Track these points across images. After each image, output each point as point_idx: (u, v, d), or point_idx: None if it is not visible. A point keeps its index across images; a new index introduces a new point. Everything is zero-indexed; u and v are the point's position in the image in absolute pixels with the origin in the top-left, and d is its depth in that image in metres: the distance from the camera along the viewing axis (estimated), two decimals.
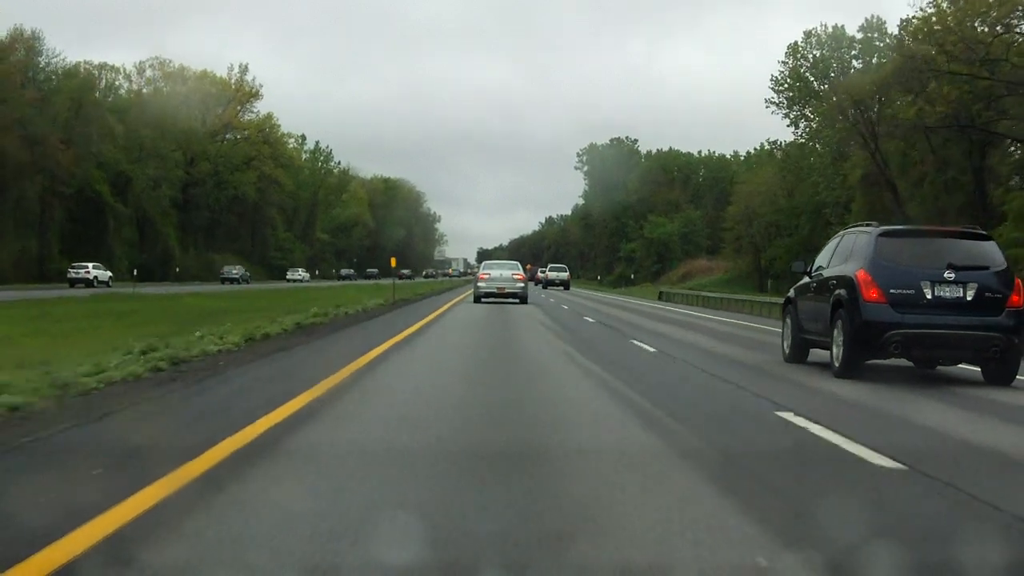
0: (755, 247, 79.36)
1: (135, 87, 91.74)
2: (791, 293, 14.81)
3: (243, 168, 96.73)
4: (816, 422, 8.02)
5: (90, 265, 59.97)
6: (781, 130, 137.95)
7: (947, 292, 11.73)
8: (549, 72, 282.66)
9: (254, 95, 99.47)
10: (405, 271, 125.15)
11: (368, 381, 10.08)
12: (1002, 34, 41.46)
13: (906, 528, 4.87)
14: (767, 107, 70.87)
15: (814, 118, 68.56)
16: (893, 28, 62.77)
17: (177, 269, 79.22)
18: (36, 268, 65.16)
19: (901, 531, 4.78)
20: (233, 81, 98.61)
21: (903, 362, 12.73)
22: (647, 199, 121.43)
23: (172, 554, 3.91)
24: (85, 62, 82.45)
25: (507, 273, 36.89)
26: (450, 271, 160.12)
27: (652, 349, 15.91)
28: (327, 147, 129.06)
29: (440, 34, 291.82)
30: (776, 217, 75.92)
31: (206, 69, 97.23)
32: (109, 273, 60.82)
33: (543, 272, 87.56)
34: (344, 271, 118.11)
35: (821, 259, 14.11)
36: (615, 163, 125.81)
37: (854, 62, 68.96)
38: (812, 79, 70.04)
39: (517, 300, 35.17)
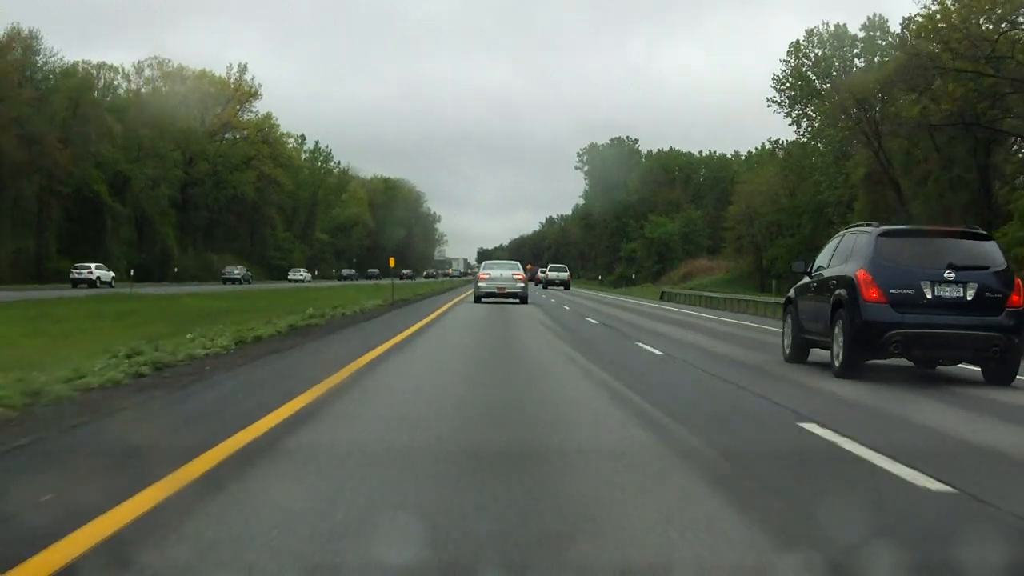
0: (756, 247, 79.15)
1: (134, 87, 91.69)
2: (791, 293, 14.82)
3: (242, 168, 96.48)
4: (846, 436, 7.32)
5: (93, 265, 60.07)
6: (782, 130, 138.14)
7: (947, 292, 11.74)
8: (549, 72, 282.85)
9: (253, 95, 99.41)
10: (406, 271, 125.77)
11: (340, 406, 8.45)
12: (1008, 31, 41.37)
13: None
14: (769, 106, 70.73)
15: (816, 117, 68.39)
16: (895, 27, 62.86)
17: (176, 269, 79.08)
18: (34, 268, 65.00)
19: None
20: (232, 81, 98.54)
21: (903, 362, 12.71)
22: (648, 199, 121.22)
23: None
24: (83, 62, 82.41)
25: (507, 273, 36.88)
26: (450, 271, 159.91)
27: (658, 352, 15.53)
28: (327, 147, 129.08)
29: (440, 34, 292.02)
30: (778, 217, 75.68)
31: (205, 69, 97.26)
32: (112, 273, 60.94)
33: (543, 272, 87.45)
34: (345, 271, 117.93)
35: (821, 259, 14.10)
36: (616, 163, 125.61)
37: (856, 61, 68.86)
38: (814, 78, 69.89)
39: (517, 300, 35.20)
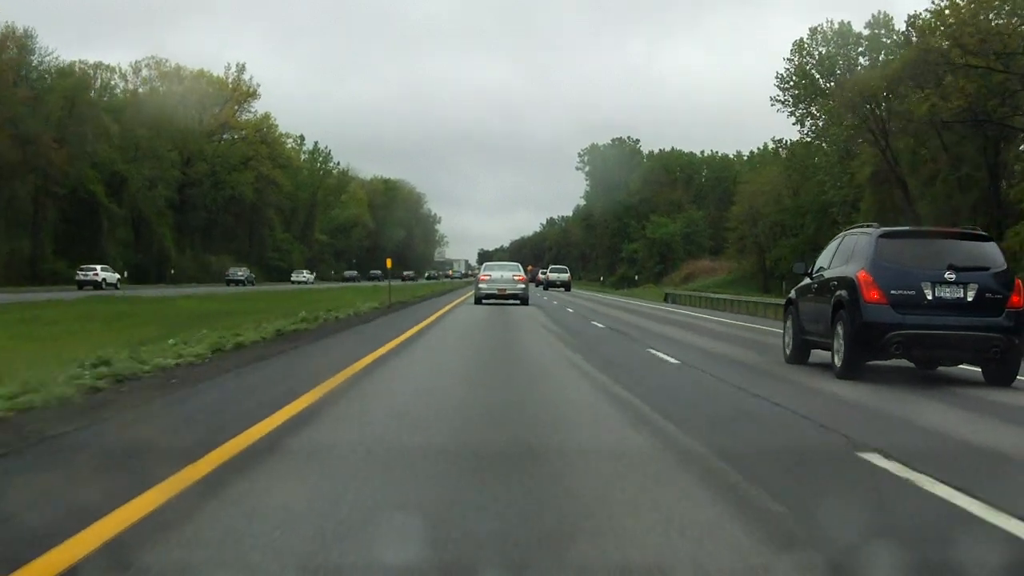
0: (759, 247, 78.48)
1: (131, 87, 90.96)
2: (792, 294, 14.83)
3: (240, 168, 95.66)
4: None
5: (98, 267, 60.14)
6: (783, 130, 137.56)
7: (947, 293, 11.78)
8: (549, 72, 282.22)
9: (251, 95, 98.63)
10: (408, 273, 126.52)
11: (303, 441, 6.92)
12: (1020, 27, 40.54)
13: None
14: (772, 105, 70.01)
15: (820, 116, 67.56)
16: (900, 24, 62.11)
17: (172, 271, 78.27)
18: (28, 269, 64.15)
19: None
20: (230, 80, 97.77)
21: (904, 363, 12.67)
22: (649, 199, 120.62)
23: None
24: (80, 61, 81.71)
25: (508, 274, 36.96)
26: (450, 272, 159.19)
27: (674, 360, 14.32)
28: (326, 147, 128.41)
29: (440, 34, 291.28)
30: (781, 217, 74.98)
31: (203, 68, 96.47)
32: (117, 275, 61.05)
33: (544, 274, 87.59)
34: (348, 273, 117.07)
35: (822, 260, 14.08)
36: (617, 163, 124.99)
37: (861, 59, 67.95)
38: (818, 76, 69.05)
39: (518, 301, 35.24)
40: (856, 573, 4.07)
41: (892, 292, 11.78)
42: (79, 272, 58.94)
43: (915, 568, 4.17)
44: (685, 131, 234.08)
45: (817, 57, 69.26)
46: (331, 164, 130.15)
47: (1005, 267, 12.24)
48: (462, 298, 44.07)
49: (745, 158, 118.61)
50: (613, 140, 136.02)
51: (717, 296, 51.79)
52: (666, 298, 62.28)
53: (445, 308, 31.50)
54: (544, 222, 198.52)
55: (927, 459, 6.54)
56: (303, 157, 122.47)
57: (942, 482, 5.73)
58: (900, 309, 11.73)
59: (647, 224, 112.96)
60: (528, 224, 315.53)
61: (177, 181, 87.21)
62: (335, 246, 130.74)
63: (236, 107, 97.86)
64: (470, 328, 21.70)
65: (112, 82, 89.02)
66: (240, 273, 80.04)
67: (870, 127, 53.51)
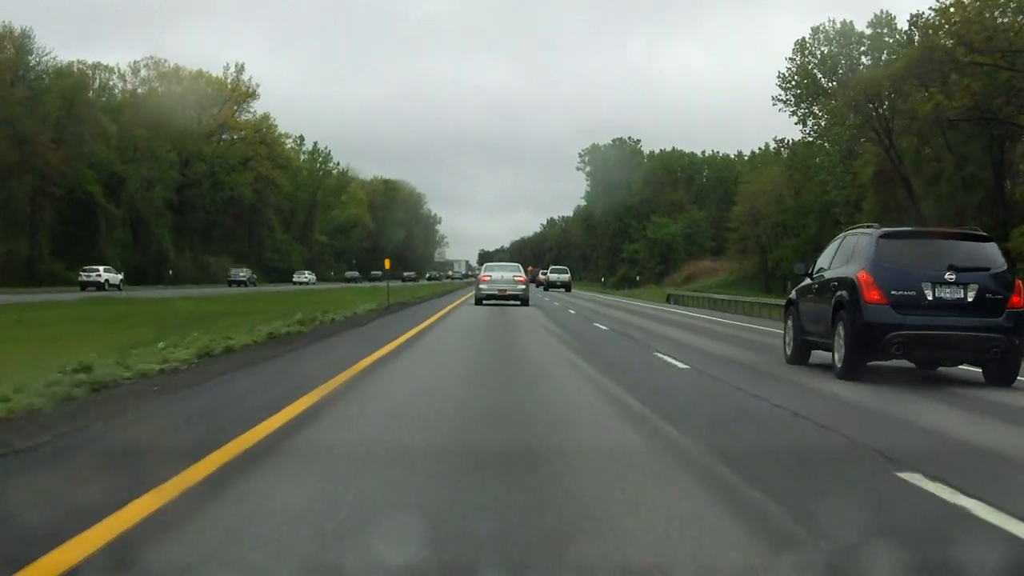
0: (761, 247, 78.08)
1: (130, 87, 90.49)
2: (793, 295, 14.86)
3: (239, 169, 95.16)
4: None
5: (101, 268, 60.15)
6: (784, 130, 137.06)
7: (948, 293, 11.81)
8: (549, 72, 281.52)
9: (250, 95, 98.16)
10: (409, 273, 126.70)
11: (269, 479, 5.93)
12: None
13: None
14: (774, 105, 69.59)
15: (823, 115, 67.12)
16: (903, 24, 61.71)
17: (171, 272, 77.85)
18: (26, 270, 63.64)
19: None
20: (229, 81, 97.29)
21: (904, 363, 12.70)
22: (650, 199, 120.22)
23: None
24: (79, 61, 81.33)
25: (508, 275, 37.12)
26: (451, 273, 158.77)
27: (683, 365, 13.60)
28: (326, 148, 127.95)
29: (440, 34, 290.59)
30: (783, 217, 74.59)
31: (201, 69, 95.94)
32: (120, 276, 61.06)
33: (544, 274, 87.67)
34: (349, 273, 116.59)
35: (822, 261, 14.08)
36: (617, 163, 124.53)
37: (863, 59, 67.47)
38: (820, 76, 68.61)
39: (518, 302, 35.50)
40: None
41: (892, 292, 11.81)
42: (82, 273, 58.92)
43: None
44: (686, 131, 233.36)
45: (819, 56, 68.82)
46: (331, 164, 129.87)
47: (1005, 267, 12.28)
48: (462, 299, 43.75)
49: (746, 158, 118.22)
50: (614, 140, 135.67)
51: (720, 297, 51.39)
52: (668, 299, 61.87)
53: (444, 310, 31.07)
54: (544, 222, 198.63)
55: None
56: (303, 157, 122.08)
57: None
58: (900, 309, 11.75)
59: (648, 224, 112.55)
60: (528, 224, 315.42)
61: (176, 182, 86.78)
62: (335, 247, 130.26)
63: (235, 107, 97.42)
64: (470, 329, 21.40)
65: (111, 82, 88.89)
66: (242, 274, 79.96)
67: (873, 126, 53.07)
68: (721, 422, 8.34)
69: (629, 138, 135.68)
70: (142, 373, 9.89)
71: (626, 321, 28.70)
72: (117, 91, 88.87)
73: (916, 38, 52.44)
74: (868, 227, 13.32)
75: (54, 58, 72.19)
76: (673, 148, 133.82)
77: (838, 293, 12.46)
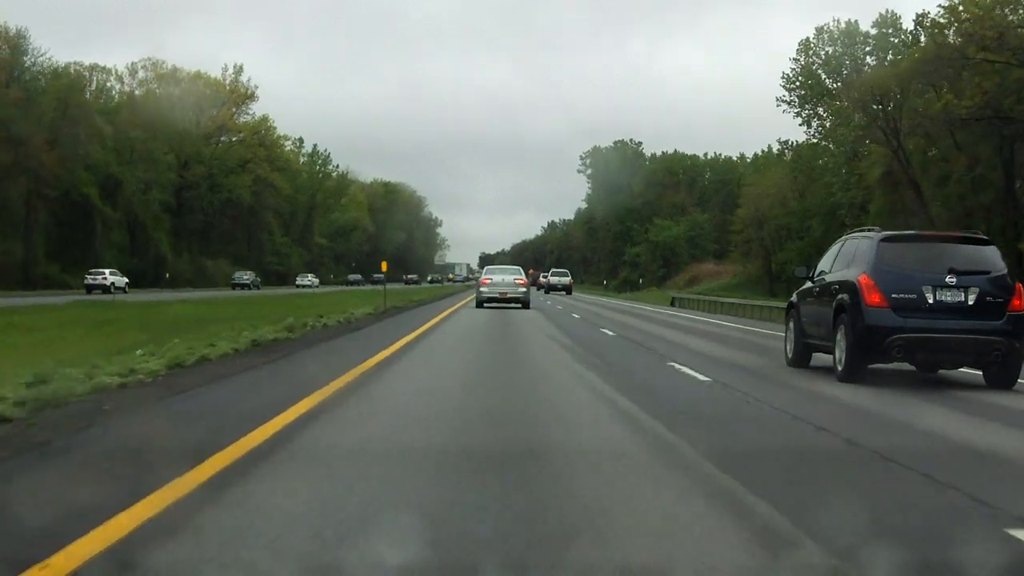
0: (765, 250, 77.23)
1: (127, 88, 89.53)
2: (794, 298, 14.98)
3: (238, 171, 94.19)
4: None
5: (107, 271, 60.20)
6: (786, 131, 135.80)
7: (948, 296, 11.93)
8: (549, 72, 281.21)
9: (249, 97, 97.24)
10: (411, 276, 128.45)
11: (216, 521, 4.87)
12: None
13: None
14: (778, 106, 68.55)
15: (827, 116, 66.13)
16: (908, 24, 60.73)
17: (167, 275, 76.93)
18: (21, 273, 62.67)
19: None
20: (228, 82, 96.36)
21: (905, 366, 12.80)
22: (652, 202, 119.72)
23: None
24: (75, 63, 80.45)
25: (509, 278, 37.29)
26: (451, 276, 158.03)
27: (704, 378, 12.36)
28: (325, 150, 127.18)
29: (440, 34, 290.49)
30: (787, 219, 73.80)
31: (200, 70, 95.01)
32: (125, 279, 61.12)
33: (545, 277, 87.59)
34: (351, 276, 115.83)
35: (824, 264, 14.23)
36: (619, 166, 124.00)
37: (868, 58, 66.40)
38: (824, 76, 67.59)
39: (519, 305, 35.65)
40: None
41: (893, 296, 11.92)
42: (87, 276, 59.00)
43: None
44: (687, 133, 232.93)
45: (823, 57, 67.78)
46: (330, 167, 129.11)
47: (1005, 271, 12.37)
48: (462, 302, 43.10)
49: (748, 160, 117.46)
50: (615, 143, 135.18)
51: (726, 300, 50.59)
52: (672, 302, 61.03)
53: (443, 314, 30.07)
54: (545, 225, 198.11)
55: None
56: (302, 160, 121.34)
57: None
58: (901, 313, 11.87)
59: (650, 227, 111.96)
60: (529, 227, 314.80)
61: (173, 184, 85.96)
62: (335, 250, 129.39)
63: (234, 109, 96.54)
64: (470, 331, 20.86)
65: (108, 84, 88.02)
66: (246, 277, 79.41)
67: (880, 126, 52.08)
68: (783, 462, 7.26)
69: (631, 140, 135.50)
70: (99, 387, 8.84)
71: (634, 326, 27.56)
72: (115, 92, 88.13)
73: (922, 38, 51.53)
74: (869, 230, 13.53)
75: (50, 59, 71.61)
76: (675, 150, 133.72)
77: (839, 296, 12.57)
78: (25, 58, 69.18)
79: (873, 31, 65.95)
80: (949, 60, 42.04)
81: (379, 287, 62.12)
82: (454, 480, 5.87)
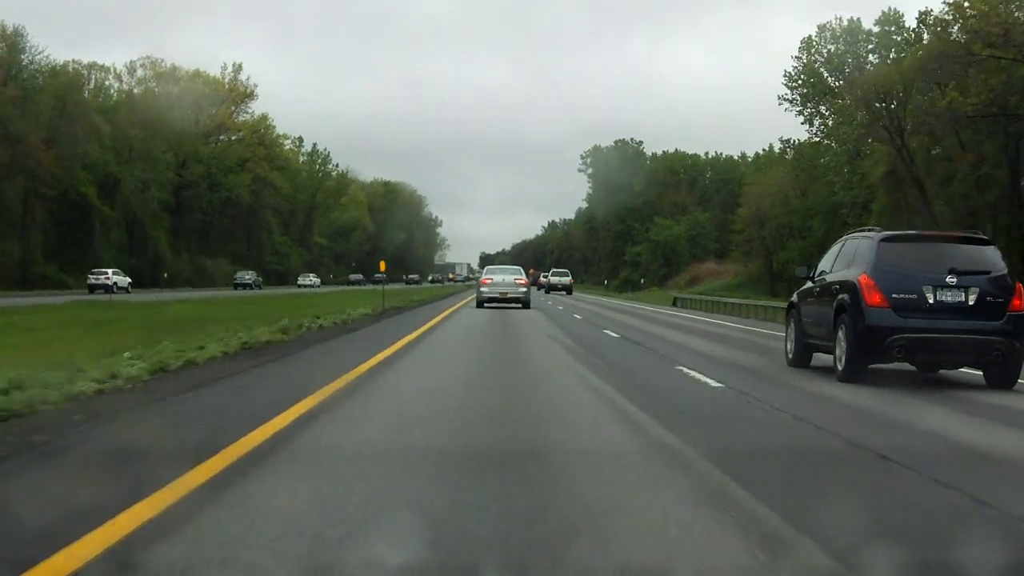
0: (767, 250, 77.02)
1: (126, 87, 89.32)
2: (794, 298, 14.99)
3: (237, 170, 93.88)
4: None
5: (110, 271, 60.48)
6: (786, 130, 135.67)
7: (949, 296, 11.94)
8: (549, 72, 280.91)
9: (248, 95, 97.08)
10: (412, 276, 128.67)
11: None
12: None
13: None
14: (780, 104, 68.41)
15: (830, 115, 65.95)
16: (911, 22, 60.61)
17: (166, 275, 76.76)
18: (18, 273, 62.52)
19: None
20: (227, 81, 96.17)
21: (905, 366, 12.82)
22: (653, 201, 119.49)
23: None
24: (74, 61, 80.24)
25: (509, 278, 37.26)
26: (451, 276, 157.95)
27: (717, 384, 11.64)
28: (325, 149, 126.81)
29: (440, 34, 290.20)
30: (789, 219, 73.58)
31: (199, 69, 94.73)
32: (129, 279, 61.48)
33: (545, 277, 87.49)
34: (353, 276, 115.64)
35: (824, 264, 14.25)
36: (620, 165, 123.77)
37: (870, 56, 66.25)
38: (826, 75, 67.42)
39: (520, 305, 35.67)
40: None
41: (894, 296, 11.93)
42: (90, 276, 59.10)
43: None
44: (687, 132, 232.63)
45: (826, 55, 67.62)
46: (330, 166, 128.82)
47: (1005, 271, 12.38)
48: (463, 302, 42.89)
49: (749, 159, 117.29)
50: (616, 142, 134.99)
51: (728, 300, 50.44)
52: (675, 302, 60.83)
53: (442, 315, 29.94)
54: (546, 225, 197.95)
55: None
56: (302, 159, 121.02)
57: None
58: (902, 313, 11.88)
59: (651, 227, 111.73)
60: (529, 226, 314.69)
61: (172, 183, 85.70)
62: (335, 249, 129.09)
63: (233, 108, 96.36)
64: (470, 332, 20.70)
65: (107, 82, 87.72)
66: (248, 277, 79.33)
67: (884, 124, 51.90)
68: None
69: (631, 139, 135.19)
70: (75, 395, 8.42)
71: (638, 327, 27.28)
72: (113, 91, 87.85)
73: (925, 36, 51.39)
74: (869, 230, 13.53)
75: (47, 57, 71.35)
76: (676, 150, 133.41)
77: (840, 296, 12.57)
78: (23, 56, 68.94)
79: (876, 29, 65.91)
80: (954, 57, 41.90)
81: (379, 287, 62.23)
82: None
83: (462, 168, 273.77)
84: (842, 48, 67.10)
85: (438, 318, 27.42)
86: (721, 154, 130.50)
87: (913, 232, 14.44)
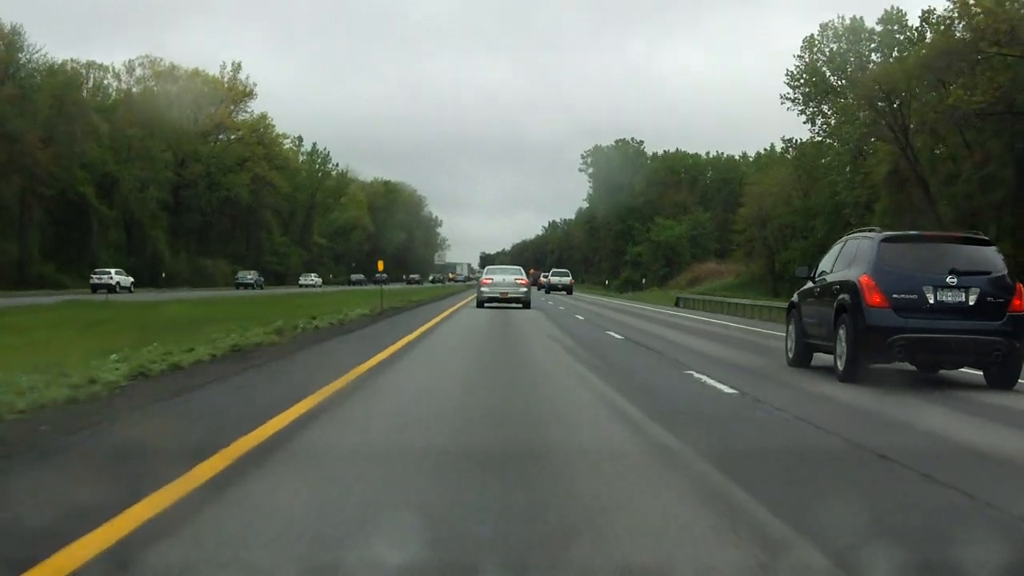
0: (769, 250, 76.92)
1: (124, 86, 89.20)
2: (795, 298, 15.04)
3: (236, 169, 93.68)
4: None
5: (112, 271, 60.90)
6: (787, 130, 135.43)
7: (949, 297, 11.99)
8: (549, 72, 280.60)
9: (247, 94, 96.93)
10: (413, 276, 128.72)
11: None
12: None
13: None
14: (783, 103, 68.40)
15: (832, 114, 65.86)
16: (914, 20, 60.61)
17: (163, 275, 76.64)
18: (16, 273, 62.32)
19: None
20: (226, 80, 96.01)
21: (905, 366, 12.84)
22: (654, 201, 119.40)
23: None
24: (72, 60, 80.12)
25: (510, 278, 37.33)
26: (452, 276, 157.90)
27: (730, 390, 11.04)
28: (325, 149, 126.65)
29: (440, 34, 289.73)
30: (791, 219, 73.46)
31: (198, 68, 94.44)
32: (131, 279, 61.77)
33: (546, 277, 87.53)
34: (354, 276, 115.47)
35: (825, 264, 14.29)
36: (620, 165, 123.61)
37: (873, 55, 66.21)
38: (828, 74, 67.36)
39: (520, 305, 35.72)
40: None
41: (894, 296, 11.97)
42: (92, 276, 59.37)
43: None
44: (688, 132, 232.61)
45: (828, 54, 67.55)
46: (330, 165, 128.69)
47: (1006, 271, 12.41)
48: (463, 302, 42.79)
49: (751, 159, 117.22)
50: (616, 142, 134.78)
51: (732, 301, 50.33)
52: (677, 302, 60.69)
53: (441, 315, 29.88)
54: (546, 225, 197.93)
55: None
56: (301, 158, 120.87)
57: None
58: (902, 313, 11.92)
59: (652, 226, 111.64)
60: (530, 226, 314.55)
61: (171, 182, 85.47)
62: (334, 249, 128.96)
63: (232, 107, 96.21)
64: (471, 332, 20.67)
65: (105, 81, 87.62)
66: (249, 277, 79.42)
67: (888, 123, 51.73)
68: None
69: (632, 139, 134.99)
70: (45, 404, 7.86)
71: (642, 329, 26.92)
72: (111, 90, 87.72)
73: (928, 34, 51.30)
74: (870, 231, 13.58)
75: (45, 56, 71.13)
76: (677, 149, 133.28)
77: (840, 296, 12.60)
78: (20, 55, 68.70)
79: (878, 28, 65.82)
80: (960, 55, 41.81)
81: (380, 287, 62.15)
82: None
83: (462, 168, 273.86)
84: (844, 47, 67.06)
85: (438, 318, 27.38)
86: (722, 154, 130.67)
87: (914, 232, 14.47)
